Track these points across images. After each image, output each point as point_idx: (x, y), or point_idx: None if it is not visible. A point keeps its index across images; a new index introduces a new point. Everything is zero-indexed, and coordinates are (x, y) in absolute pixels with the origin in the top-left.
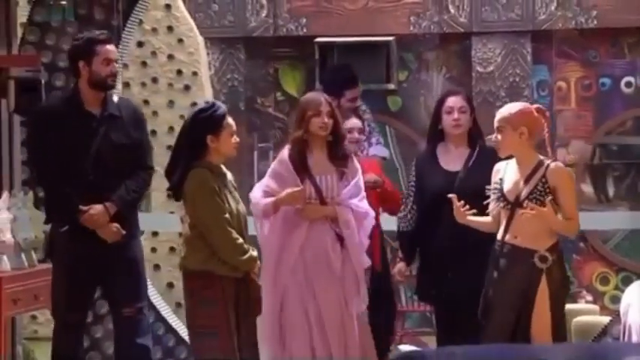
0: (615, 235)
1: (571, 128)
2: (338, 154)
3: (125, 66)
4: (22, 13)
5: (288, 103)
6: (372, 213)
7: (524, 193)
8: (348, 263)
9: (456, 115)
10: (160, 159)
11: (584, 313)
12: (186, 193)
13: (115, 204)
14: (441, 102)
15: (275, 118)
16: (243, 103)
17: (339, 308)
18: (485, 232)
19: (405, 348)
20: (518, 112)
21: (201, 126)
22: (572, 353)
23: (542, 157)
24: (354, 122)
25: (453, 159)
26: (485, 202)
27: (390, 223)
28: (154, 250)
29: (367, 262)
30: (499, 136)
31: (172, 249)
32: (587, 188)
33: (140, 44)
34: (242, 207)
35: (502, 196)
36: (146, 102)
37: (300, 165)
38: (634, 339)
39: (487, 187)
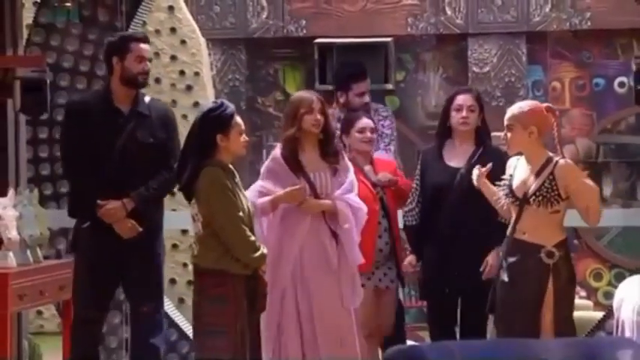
0: (608, 232)
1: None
2: (329, 151)
3: None
4: (28, 15)
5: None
6: (365, 208)
7: (532, 190)
8: (343, 259)
9: (464, 113)
10: None
11: (578, 308)
12: (199, 192)
13: (132, 200)
14: (450, 99)
15: (275, 117)
16: (244, 102)
17: (335, 304)
18: (485, 224)
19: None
20: (529, 110)
21: (210, 125)
22: (567, 348)
23: (550, 155)
24: (365, 122)
25: (457, 155)
26: (494, 198)
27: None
28: None
29: (360, 258)
30: (509, 134)
31: (175, 246)
32: None
33: None
34: (251, 205)
35: (510, 192)
36: None
37: (294, 163)
38: (627, 334)
39: (497, 183)
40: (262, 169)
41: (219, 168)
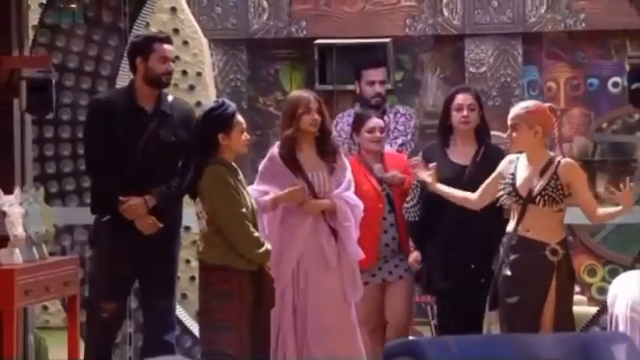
0: (602, 229)
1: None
2: (327, 149)
3: None
4: (34, 16)
5: None
6: (361, 205)
7: (537, 189)
8: (344, 255)
9: (465, 112)
10: None
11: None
12: (202, 190)
13: (154, 197)
14: (450, 99)
15: (276, 116)
16: (245, 102)
17: (335, 302)
18: (489, 222)
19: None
20: (535, 110)
21: (212, 124)
22: (562, 342)
23: (552, 154)
24: (375, 122)
25: (460, 153)
26: (498, 195)
27: None
28: None
29: (360, 253)
30: (514, 134)
31: None
32: None
33: None
34: (255, 201)
35: (514, 191)
36: None
37: (292, 162)
38: (620, 328)
39: (500, 180)
40: (259, 169)
41: (222, 166)
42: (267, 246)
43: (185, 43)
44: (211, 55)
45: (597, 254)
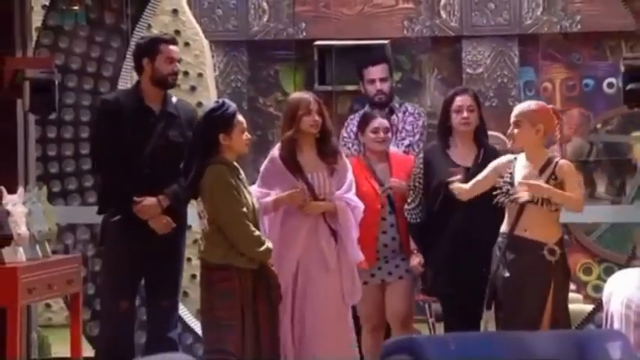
0: (598, 227)
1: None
2: (327, 150)
3: None
4: (37, 18)
5: None
6: (362, 206)
7: None
8: (343, 256)
9: (465, 113)
10: None
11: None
12: (204, 189)
13: (167, 198)
14: (449, 101)
15: (276, 117)
16: (246, 102)
17: (333, 303)
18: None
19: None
20: (538, 109)
21: (213, 125)
22: (558, 340)
23: (551, 155)
24: (379, 122)
25: (460, 155)
26: (494, 193)
27: None
28: None
29: (360, 255)
30: (516, 130)
31: None
32: None
33: None
34: (256, 201)
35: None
36: None
37: (292, 164)
38: (616, 326)
39: (496, 177)
40: (261, 171)
41: (223, 166)
42: (268, 244)
43: (186, 44)
44: (212, 56)
45: (593, 253)
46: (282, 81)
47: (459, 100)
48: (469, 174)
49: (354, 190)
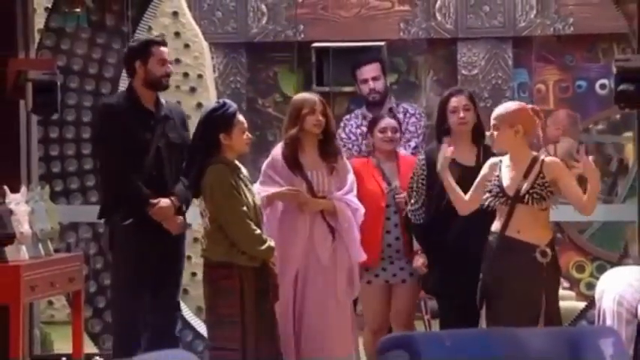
0: (590, 226)
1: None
2: (329, 150)
3: None
4: (39, 20)
5: (286, 103)
6: (362, 209)
7: (524, 188)
8: (340, 254)
9: (461, 114)
10: None
11: (562, 299)
12: (205, 189)
13: (177, 199)
14: (445, 101)
15: (275, 117)
16: (245, 103)
17: (329, 300)
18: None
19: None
20: (515, 110)
21: (213, 125)
22: (551, 336)
23: (535, 153)
24: (387, 122)
25: (461, 154)
26: (484, 197)
27: None
28: None
29: (362, 255)
30: (495, 133)
31: None
32: None
33: None
34: (257, 199)
35: (501, 192)
36: None
37: (293, 162)
38: (608, 323)
39: (486, 182)
40: (262, 169)
41: (224, 165)
42: (270, 243)
43: (186, 46)
44: (212, 57)
45: (585, 251)
46: (280, 82)
47: (454, 101)
48: (472, 173)
49: (355, 192)
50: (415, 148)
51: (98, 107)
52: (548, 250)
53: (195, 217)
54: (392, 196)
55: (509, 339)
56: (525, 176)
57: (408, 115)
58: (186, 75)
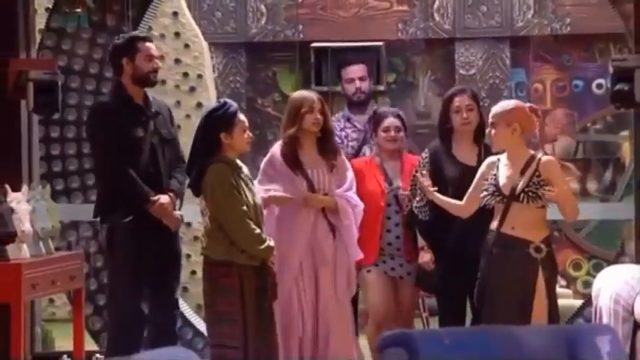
0: (587, 224)
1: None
2: (328, 148)
3: None
4: (41, 20)
5: (285, 103)
6: (362, 205)
7: (520, 187)
8: (339, 253)
9: (464, 114)
10: None
11: (559, 296)
12: (205, 188)
13: (175, 194)
14: (448, 101)
15: (274, 117)
16: (244, 103)
17: (329, 298)
18: None
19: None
20: (512, 109)
21: (214, 124)
22: (548, 333)
23: (533, 152)
24: (390, 121)
25: (463, 154)
26: (481, 195)
27: None
28: None
29: (359, 254)
30: (492, 131)
31: None
32: None
33: None
34: (258, 199)
35: (497, 191)
36: None
37: (293, 160)
38: (604, 320)
39: (484, 180)
40: (261, 167)
41: (224, 164)
42: (269, 242)
43: (186, 46)
44: (212, 57)
45: (582, 249)
46: (279, 82)
47: (457, 101)
48: (473, 172)
49: (354, 189)
50: None
51: (91, 107)
52: (543, 246)
53: (196, 215)
54: (393, 196)
55: (507, 337)
56: (521, 175)
57: None
58: (186, 75)
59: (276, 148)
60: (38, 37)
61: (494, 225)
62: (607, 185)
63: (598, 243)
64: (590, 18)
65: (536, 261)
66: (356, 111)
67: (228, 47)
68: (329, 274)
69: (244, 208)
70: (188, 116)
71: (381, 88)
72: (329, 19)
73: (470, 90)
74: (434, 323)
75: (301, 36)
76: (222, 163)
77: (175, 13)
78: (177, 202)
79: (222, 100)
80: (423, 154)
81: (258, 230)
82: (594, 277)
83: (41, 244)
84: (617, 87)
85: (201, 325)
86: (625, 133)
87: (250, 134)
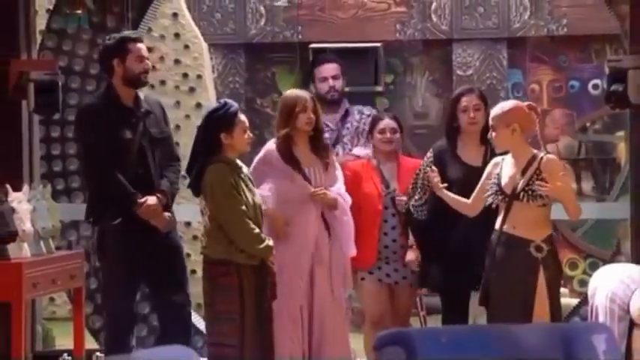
0: (583, 224)
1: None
2: (320, 146)
3: None
4: (41, 21)
5: None
6: (349, 199)
7: (520, 186)
8: (335, 251)
9: (471, 113)
10: None
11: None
12: (205, 188)
13: (164, 195)
14: (456, 100)
15: (273, 117)
16: (243, 103)
17: (326, 296)
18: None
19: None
20: (510, 109)
21: (214, 124)
22: (545, 332)
23: (535, 151)
24: (386, 122)
25: (468, 154)
26: (485, 195)
27: None
28: None
29: (354, 250)
30: (493, 134)
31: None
32: None
33: (149, 50)
34: (258, 198)
35: (499, 190)
36: None
37: (290, 159)
38: (600, 319)
39: (487, 180)
40: (253, 166)
41: (224, 164)
42: (268, 242)
43: (186, 47)
44: (211, 58)
45: (578, 248)
46: (278, 82)
47: (465, 100)
48: (478, 173)
49: (342, 184)
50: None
51: (78, 108)
52: (544, 245)
53: (196, 215)
54: (390, 199)
55: (504, 335)
56: (522, 174)
57: (364, 115)
58: (185, 75)
59: (271, 146)
60: (39, 38)
61: (497, 224)
62: (603, 185)
63: (594, 242)
64: (586, 19)
65: (537, 260)
66: (328, 110)
67: (228, 48)
68: (325, 272)
69: (243, 207)
70: (188, 116)
71: (379, 88)
72: (327, 20)
73: (478, 90)
74: (431, 322)
75: (300, 37)
76: (222, 163)
77: (175, 15)
78: (172, 201)
79: (222, 101)
80: (428, 154)
81: (257, 230)
82: (590, 276)
83: (42, 243)
84: (613, 87)
85: (201, 324)
86: (621, 133)
87: (250, 134)
